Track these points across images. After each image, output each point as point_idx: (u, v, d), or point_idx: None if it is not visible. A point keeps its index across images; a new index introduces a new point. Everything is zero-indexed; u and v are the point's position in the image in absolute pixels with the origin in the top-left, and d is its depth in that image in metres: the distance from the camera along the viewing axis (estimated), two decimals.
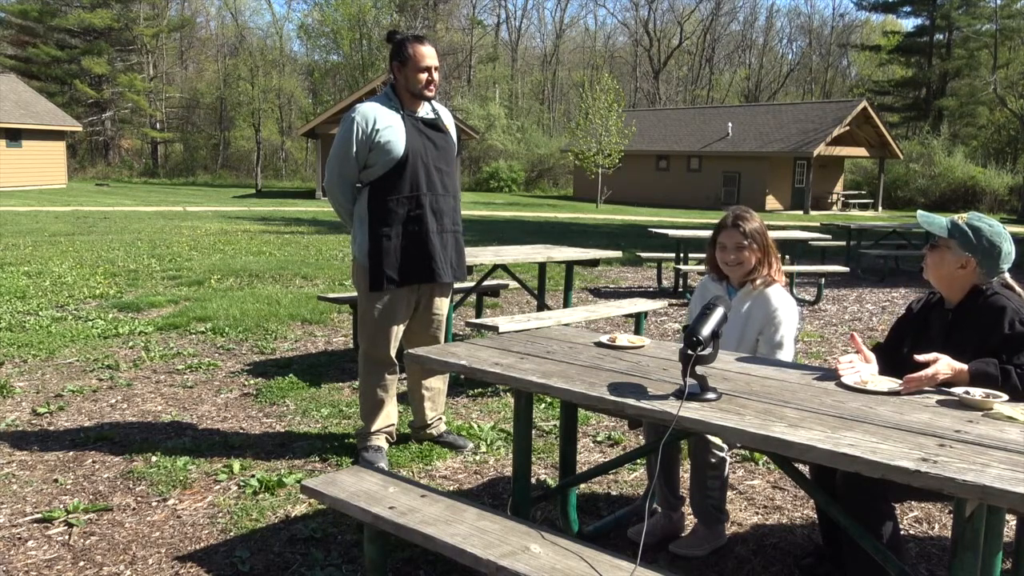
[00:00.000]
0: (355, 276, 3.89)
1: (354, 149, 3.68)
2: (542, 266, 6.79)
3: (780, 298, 3.11)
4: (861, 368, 2.56)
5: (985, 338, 2.48)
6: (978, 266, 2.57)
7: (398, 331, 3.87)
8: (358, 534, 3.10)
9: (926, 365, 2.33)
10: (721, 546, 3.08)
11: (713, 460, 2.99)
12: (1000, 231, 2.60)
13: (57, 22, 47.26)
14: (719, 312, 2.32)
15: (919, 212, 2.75)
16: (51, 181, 34.16)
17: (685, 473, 3.41)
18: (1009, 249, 2.59)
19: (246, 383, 5.30)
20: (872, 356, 2.64)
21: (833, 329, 7.69)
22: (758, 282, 3.12)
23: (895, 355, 2.70)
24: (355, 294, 6.97)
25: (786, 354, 3.06)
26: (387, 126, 3.69)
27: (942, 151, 37.79)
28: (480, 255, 5.85)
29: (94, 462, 3.86)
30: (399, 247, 3.74)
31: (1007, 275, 2.63)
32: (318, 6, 54.25)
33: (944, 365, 2.34)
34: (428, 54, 3.70)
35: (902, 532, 2.80)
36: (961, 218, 2.64)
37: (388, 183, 3.71)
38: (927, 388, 2.35)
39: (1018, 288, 2.62)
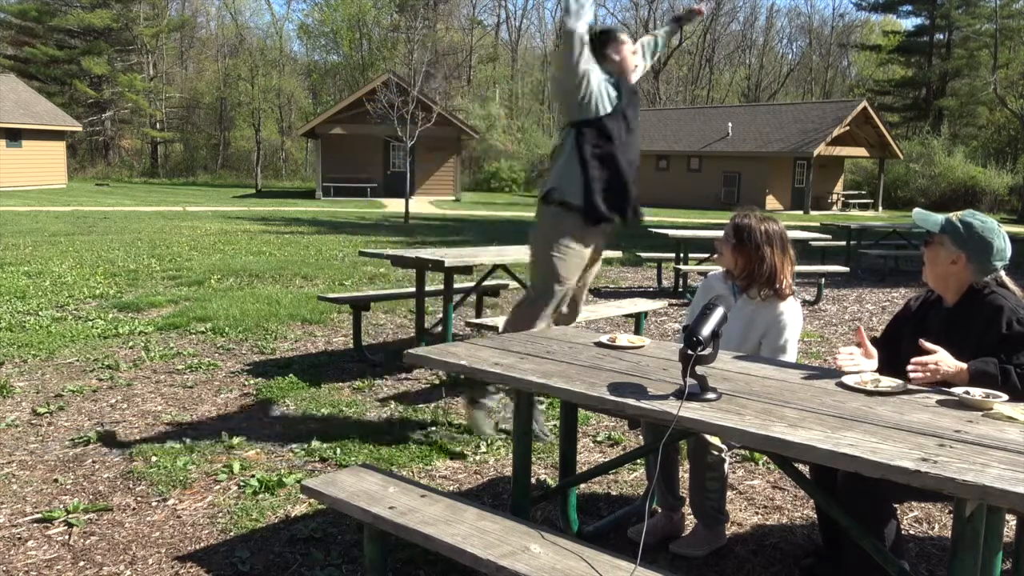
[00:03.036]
0: (549, 216, 3.82)
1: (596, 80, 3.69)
2: None
3: (786, 303, 3.10)
4: (862, 362, 2.56)
5: (983, 337, 2.48)
6: (968, 262, 2.55)
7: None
8: (358, 534, 3.10)
9: (929, 353, 2.35)
10: (721, 546, 3.08)
11: (712, 461, 2.99)
12: (993, 227, 2.57)
13: (56, 22, 47.23)
14: (719, 312, 2.32)
15: (915, 210, 2.73)
16: (51, 181, 34.16)
17: (685, 473, 3.41)
18: (1002, 245, 2.56)
19: (246, 383, 5.30)
20: (874, 351, 2.64)
21: (833, 329, 7.68)
22: (756, 294, 3.11)
23: (892, 352, 2.70)
24: (354, 294, 6.96)
25: (788, 359, 3.06)
26: (613, 81, 3.78)
27: (942, 151, 37.76)
28: (480, 255, 5.85)
29: (94, 462, 3.86)
30: (608, 188, 3.78)
31: (1003, 274, 2.63)
32: (318, 6, 54.27)
33: (945, 355, 2.35)
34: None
35: (902, 532, 2.79)
36: (956, 215, 2.64)
37: (604, 130, 3.72)
38: (927, 388, 2.35)
39: (1014, 287, 2.62)
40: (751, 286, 3.12)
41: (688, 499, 3.17)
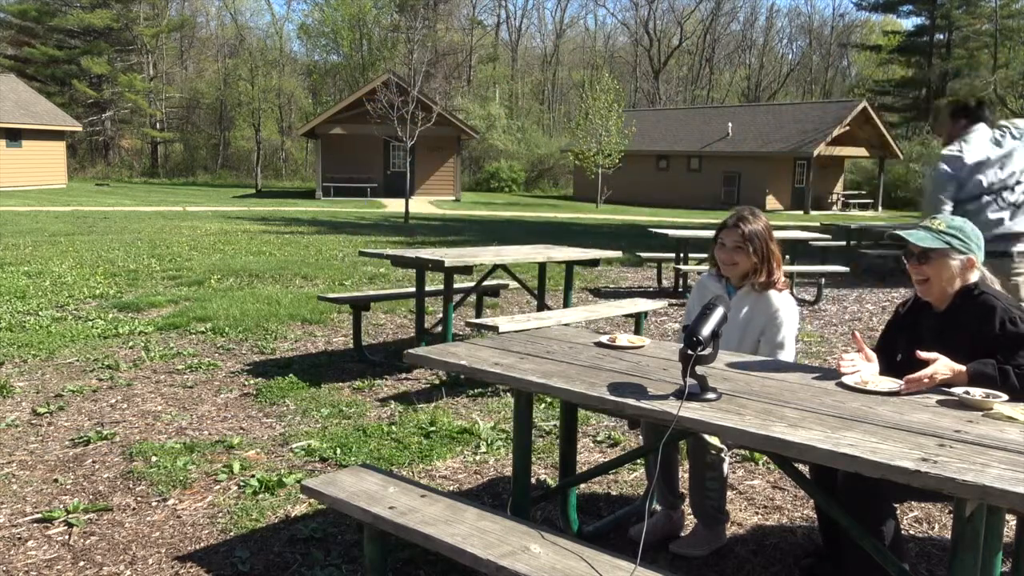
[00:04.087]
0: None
1: None
2: (542, 266, 6.79)
3: (781, 299, 3.11)
4: (862, 367, 2.56)
5: (976, 338, 2.47)
6: (979, 261, 2.58)
7: None
8: (358, 534, 3.10)
9: (926, 364, 2.33)
10: (721, 546, 3.08)
11: (712, 461, 2.99)
12: (966, 221, 2.63)
13: (56, 22, 47.22)
14: (719, 312, 2.32)
15: (903, 234, 2.64)
16: (51, 181, 34.15)
17: (685, 473, 3.41)
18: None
19: (246, 383, 5.30)
20: (873, 355, 2.64)
21: (833, 329, 7.68)
22: (756, 286, 3.12)
23: (889, 358, 2.69)
24: (354, 294, 7.02)
25: (787, 355, 3.06)
26: None
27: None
28: (480, 255, 5.85)
29: (94, 462, 3.86)
30: None
31: (987, 273, 2.63)
32: (318, 6, 54.27)
33: (943, 365, 2.34)
34: None
35: (902, 532, 2.79)
36: (939, 226, 2.60)
37: None
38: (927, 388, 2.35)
39: (998, 286, 2.62)
40: (751, 281, 3.13)
41: (688, 499, 3.17)
